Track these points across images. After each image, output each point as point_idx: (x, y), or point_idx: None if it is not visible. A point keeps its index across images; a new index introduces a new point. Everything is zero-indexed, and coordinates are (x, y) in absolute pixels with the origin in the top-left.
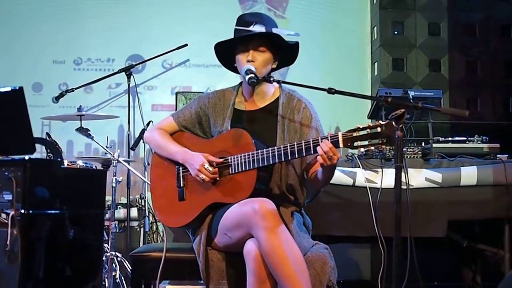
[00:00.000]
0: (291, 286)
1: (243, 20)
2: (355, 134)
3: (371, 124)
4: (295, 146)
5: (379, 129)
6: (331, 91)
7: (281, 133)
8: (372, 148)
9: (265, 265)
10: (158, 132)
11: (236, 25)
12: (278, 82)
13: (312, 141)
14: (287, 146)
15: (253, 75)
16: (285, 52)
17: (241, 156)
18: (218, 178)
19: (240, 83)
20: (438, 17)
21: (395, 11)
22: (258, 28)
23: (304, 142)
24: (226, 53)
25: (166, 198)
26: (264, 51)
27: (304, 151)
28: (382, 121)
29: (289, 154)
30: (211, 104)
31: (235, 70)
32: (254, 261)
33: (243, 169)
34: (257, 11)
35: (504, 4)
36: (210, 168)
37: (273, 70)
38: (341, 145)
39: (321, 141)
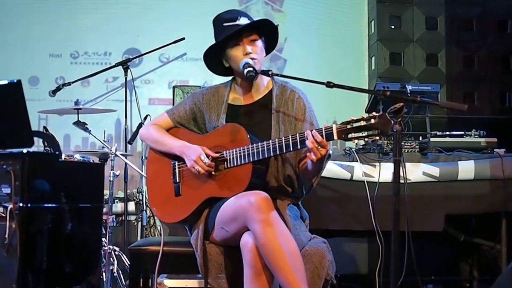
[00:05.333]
0: (286, 278)
1: (224, 18)
2: (349, 126)
3: (365, 116)
4: (290, 139)
5: (372, 121)
6: (329, 85)
7: (276, 125)
8: (366, 139)
9: (261, 257)
10: (154, 128)
11: (218, 24)
12: (276, 75)
13: (307, 134)
14: (281, 140)
15: (251, 69)
16: (267, 38)
17: (236, 150)
18: (214, 173)
19: (232, 79)
20: (435, 12)
21: (393, 5)
22: (244, 21)
23: (299, 135)
24: (215, 55)
25: (162, 194)
26: (257, 39)
27: (298, 144)
28: (376, 113)
29: (284, 148)
30: (205, 100)
31: (223, 72)
32: (250, 253)
33: (238, 163)
34: (254, 6)
35: None
36: (206, 160)
37: None
38: (335, 137)
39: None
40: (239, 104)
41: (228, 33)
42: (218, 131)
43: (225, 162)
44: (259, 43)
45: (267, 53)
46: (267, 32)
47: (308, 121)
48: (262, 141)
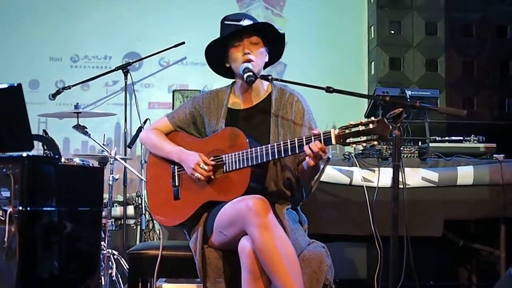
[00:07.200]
0: (283, 283)
1: (229, 19)
2: (347, 131)
3: (363, 121)
4: (288, 143)
5: (371, 126)
6: (329, 89)
7: (275, 128)
8: (364, 144)
9: (259, 262)
10: (153, 132)
11: (222, 23)
12: (276, 80)
13: (305, 138)
14: (280, 144)
15: (251, 73)
16: (273, 46)
17: (234, 155)
18: (213, 177)
19: (233, 83)
20: (435, 17)
21: (392, 10)
22: (248, 22)
23: (297, 140)
24: (217, 54)
25: (161, 197)
26: (258, 42)
27: (297, 148)
28: (374, 118)
29: (282, 152)
30: (205, 104)
31: (225, 73)
32: (248, 257)
33: (237, 167)
34: (254, 10)
35: (501, 4)
36: (205, 167)
37: (264, 66)
38: (333, 141)
39: (314, 140)
40: (238, 108)
41: (229, 31)
42: (217, 135)
43: (224, 166)
44: (260, 47)
45: (273, 62)
46: (272, 39)
47: (306, 125)
48: (261, 145)
